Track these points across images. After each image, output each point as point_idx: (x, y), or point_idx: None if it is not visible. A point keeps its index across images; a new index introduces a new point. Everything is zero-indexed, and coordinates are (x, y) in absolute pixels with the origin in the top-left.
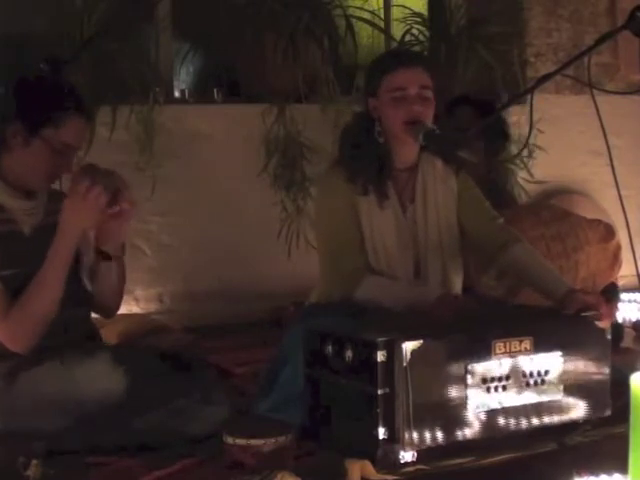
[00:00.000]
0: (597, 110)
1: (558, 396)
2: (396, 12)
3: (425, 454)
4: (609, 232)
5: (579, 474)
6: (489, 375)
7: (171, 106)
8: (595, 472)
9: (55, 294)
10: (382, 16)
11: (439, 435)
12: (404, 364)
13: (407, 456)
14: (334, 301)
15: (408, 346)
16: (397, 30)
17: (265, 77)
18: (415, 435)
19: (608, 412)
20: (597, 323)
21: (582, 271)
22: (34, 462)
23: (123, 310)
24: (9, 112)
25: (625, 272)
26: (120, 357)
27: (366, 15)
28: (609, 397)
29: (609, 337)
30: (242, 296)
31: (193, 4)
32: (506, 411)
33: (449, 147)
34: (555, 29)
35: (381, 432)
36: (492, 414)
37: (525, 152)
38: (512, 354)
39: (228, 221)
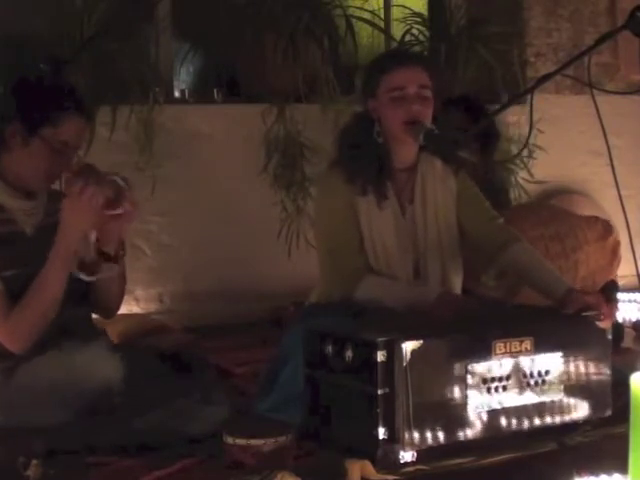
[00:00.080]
0: (597, 110)
1: (559, 396)
2: (396, 12)
3: (425, 454)
4: (607, 229)
5: (579, 474)
6: (489, 375)
7: (171, 106)
8: (595, 472)
9: (56, 295)
10: (382, 16)
11: (439, 435)
12: (404, 364)
13: (407, 456)
14: (334, 301)
15: (408, 346)
16: (397, 30)
17: (265, 77)
18: (415, 435)
19: (609, 412)
20: (598, 323)
21: (582, 270)
22: (34, 462)
23: (123, 310)
24: (9, 112)
25: (625, 272)
26: (115, 346)
27: (366, 15)
28: (610, 397)
29: (610, 337)
30: (242, 296)
31: (193, 4)
32: (506, 411)
33: (449, 147)
34: (555, 29)
35: (381, 432)
36: (492, 414)
37: (525, 152)
38: (512, 354)
39: (228, 221)
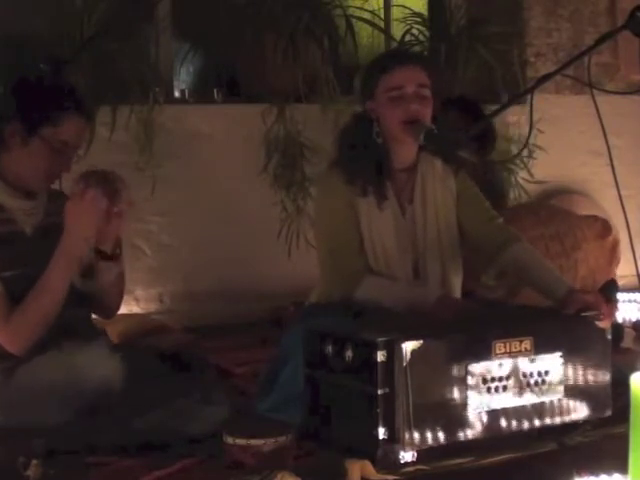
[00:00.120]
0: (597, 110)
1: (558, 396)
2: (396, 12)
3: (425, 454)
4: (606, 228)
5: (579, 474)
6: (489, 375)
7: (171, 106)
8: (595, 472)
9: (57, 298)
10: (382, 16)
11: (439, 435)
12: (404, 364)
13: (407, 456)
14: (334, 301)
15: (408, 346)
16: (397, 30)
17: (265, 77)
18: (415, 435)
19: (609, 412)
20: (597, 323)
21: (582, 269)
22: (34, 462)
23: (123, 310)
24: (8, 112)
25: (625, 272)
26: (115, 346)
27: (366, 15)
28: (610, 397)
29: (609, 337)
30: (242, 296)
31: (193, 4)
32: (506, 411)
33: (449, 147)
34: (555, 29)
35: (381, 432)
36: (492, 414)
37: (525, 152)
38: (512, 354)
39: (228, 221)
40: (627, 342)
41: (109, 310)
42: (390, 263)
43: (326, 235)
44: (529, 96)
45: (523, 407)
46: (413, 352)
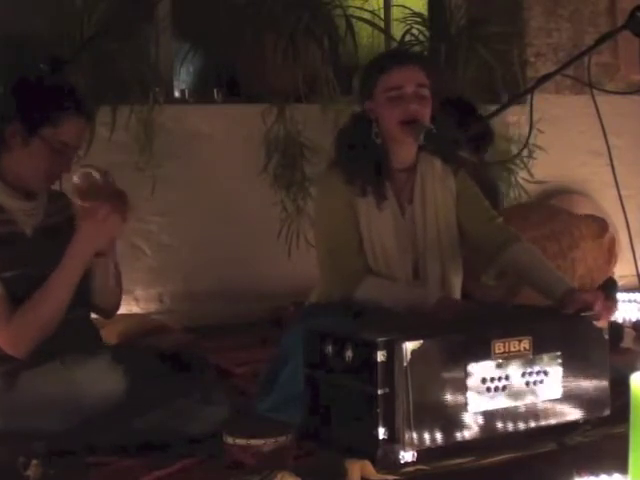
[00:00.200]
0: (597, 110)
1: (557, 396)
2: (396, 12)
3: (425, 454)
4: (602, 227)
5: (579, 474)
6: (489, 375)
7: (171, 106)
8: (595, 472)
9: (60, 307)
10: (382, 16)
11: (439, 435)
12: (404, 364)
13: (407, 456)
14: (334, 301)
15: (408, 346)
16: (397, 30)
17: (265, 77)
18: (415, 435)
19: (607, 412)
20: (595, 322)
21: (580, 269)
22: (34, 462)
23: (123, 310)
24: (9, 112)
25: (625, 272)
26: (119, 357)
27: (366, 15)
28: (608, 397)
29: (607, 336)
30: (242, 296)
31: (193, 4)
32: (505, 411)
33: (449, 147)
34: (555, 29)
35: (381, 432)
36: (492, 414)
37: (525, 152)
38: (511, 354)
39: (228, 221)
40: (627, 342)
41: (108, 310)
42: (390, 263)
43: (326, 235)
44: (529, 96)
45: (522, 407)
46: (413, 352)
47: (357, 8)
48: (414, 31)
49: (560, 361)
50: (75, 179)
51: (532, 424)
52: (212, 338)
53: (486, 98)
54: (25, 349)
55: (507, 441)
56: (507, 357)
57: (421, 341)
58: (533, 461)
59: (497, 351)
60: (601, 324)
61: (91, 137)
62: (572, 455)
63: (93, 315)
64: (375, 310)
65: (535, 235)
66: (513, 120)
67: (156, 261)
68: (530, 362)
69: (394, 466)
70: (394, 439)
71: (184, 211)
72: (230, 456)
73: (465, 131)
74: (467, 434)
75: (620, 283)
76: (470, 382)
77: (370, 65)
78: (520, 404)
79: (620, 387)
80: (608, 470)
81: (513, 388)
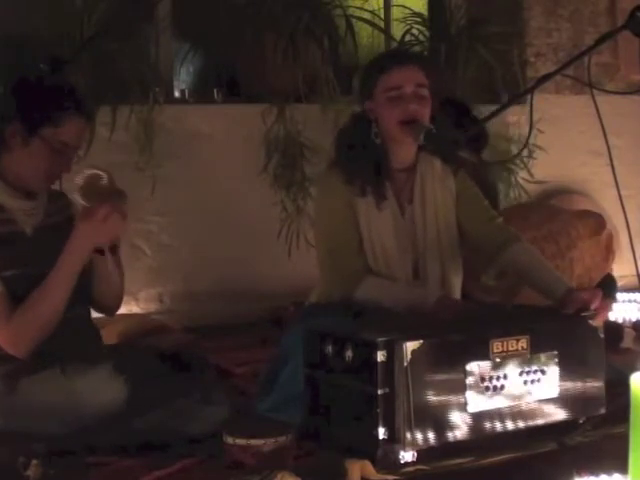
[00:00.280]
0: (597, 110)
1: (554, 395)
2: (396, 12)
3: (425, 454)
4: (599, 223)
5: (579, 474)
6: (487, 374)
7: (171, 106)
8: (595, 472)
9: (59, 304)
10: (382, 16)
11: (439, 435)
12: (404, 364)
13: (407, 456)
14: (334, 301)
15: (408, 346)
16: (397, 30)
17: (265, 77)
18: (415, 435)
19: (603, 410)
20: (590, 322)
21: (578, 268)
22: (34, 462)
23: (123, 310)
24: (9, 112)
25: (625, 272)
26: (121, 365)
27: (366, 15)
28: (604, 395)
29: (602, 335)
30: (242, 296)
31: (193, 4)
32: (504, 410)
33: (449, 147)
34: (555, 29)
35: (381, 432)
36: (491, 413)
37: (525, 152)
38: (509, 353)
39: (228, 221)
40: (627, 342)
41: (110, 308)
42: (390, 263)
43: (325, 235)
44: (529, 96)
45: (520, 406)
46: (413, 352)
47: (357, 8)
48: (414, 31)
49: (557, 360)
50: (78, 180)
51: (529, 423)
52: (212, 338)
53: (486, 98)
54: (25, 348)
55: (506, 441)
56: (505, 356)
57: (421, 341)
58: (533, 461)
59: (495, 350)
60: (597, 323)
61: (91, 137)
62: (572, 455)
63: (94, 314)
64: (375, 310)
65: (535, 236)
66: (513, 120)
67: (156, 261)
68: (528, 361)
69: (394, 466)
70: (394, 439)
71: (184, 211)
72: (230, 456)
73: (465, 132)
74: (467, 434)
75: (620, 283)
76: (469, 382)
77: (370, 65)
78: (518, 403)
79: (620, 387)
80: (608, 470)
81: (511, 387)
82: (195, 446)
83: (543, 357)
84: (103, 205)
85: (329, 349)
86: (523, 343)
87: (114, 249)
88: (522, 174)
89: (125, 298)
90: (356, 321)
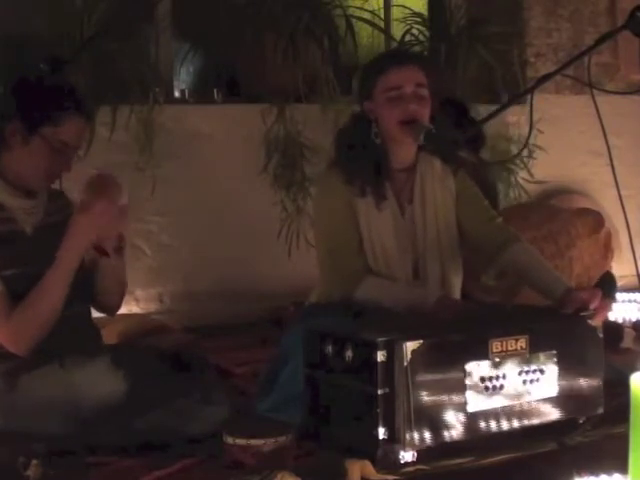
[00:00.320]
0: (597, 110)
1: (552, 394)
2: (396, 12)
3: (425, 454)
4: (598, 221)
5: (579, 474)
6: (487, 374)
7: (171, 106)
8: (595, 472)
9: (57, 301)
10: (382, 16)
11: (439, 435)
12: (404, 364)
13: (407, 456)
14: (334, 301)
15: (408, 346)
16: (397, 30)
17: (265, 77)
18: (415, 435)
19: (601, 410)
20: (590, 321)
21: (577, 267)
22: (34, 462)
23: (123, 310)
24: (9, 111)
25: (625, 272)
26: (119, 360)
27: (366, 15)
28: (602, 395)
29: (601, 335)
30: (242, 296)
31: (193, 4)
32: (504, 410)
33: (449, 147)
34: (555, 29)
35: (381, 432)
36: (491, 413)
37: (525, 152)
38: (508, 353)
39: (228, 221)
40: (627, 342)
41: (111, 308)
42: (390, 263)
43: (325, 235)
44: (529, 96)
45: (519, 405)
46: (413, 352)
47: (357, 8)
48: (414, 31)
49: (556, 360)
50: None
51: (528, 422)
52: (212, 338)
53: (486, 98)
54: (26, 346)
55: (506, 440)
56: (504, 356)
57: (421, 341)
58: (533, 461)
59: (494, 350)
60: (596, 323)
61: (91, 137)
62: (572, 455)
63: (94, 314)
64: (375, 310)
65: (534, 236)
66: (513, 120)
67: (156, 261)
68: (527, 361)
69: (394, 466)
70: (394, 439)
71: (184, 211)
72: (230, 456)
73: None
74: (467, 434)
75: (620, 283)
76: (469, 381)
77: (369, 65)
78: (517, 403)
79: (620, 387)
80: (608, 470)
81: (510, 387)
82: (195, 446)
83: (542, 357)
84: (100, 198)
85: (329, 349)
86: (522, 343)
87: (119, 250)
88: (522, 174)
89: (125, 298)
90: (356, 321)
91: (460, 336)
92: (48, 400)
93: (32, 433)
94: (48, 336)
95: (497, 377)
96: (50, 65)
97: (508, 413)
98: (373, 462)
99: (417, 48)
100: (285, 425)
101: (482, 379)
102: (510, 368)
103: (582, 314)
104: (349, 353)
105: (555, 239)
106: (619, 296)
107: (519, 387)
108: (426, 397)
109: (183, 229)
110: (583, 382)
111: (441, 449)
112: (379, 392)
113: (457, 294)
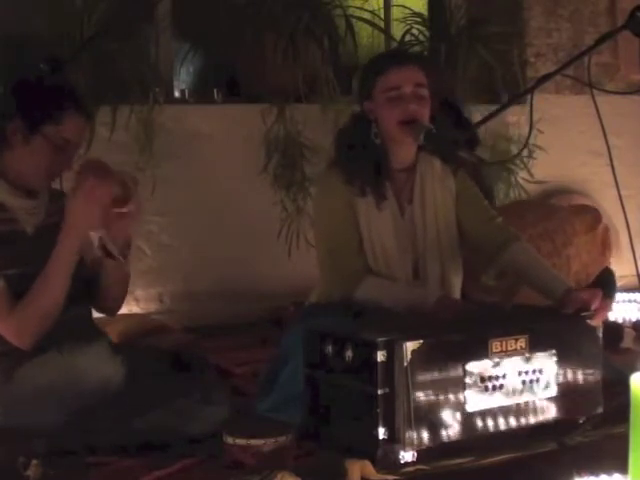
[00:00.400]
0: (597, 110)
1: (552, 394)
2: (396, 12)
3: (425, 454)
4: (595, 217)
5: (579, 474)
6: (487, 374)
7: (171, 106)
8: (595, 472)
9: (59, 292)
10: (382, 16)
11: (439, 435)
12: (404, 364)
13: (407, 456)
14: (334, 301)
15: (408, 346)
16: (397, 30)
17: (265, 77)
18: (415, 435)
19: (600, 410)
20: (589, 321)
21: (574, 265)
22: (34, 462)
23: (123, 310)
24: (9, 110)
25: (625, 272)
26: (117, 348)
27: (366, 15)
28: (601, 395)
29: (600, 335)
30: (242, 296)
31: (193, 4)
32: (504, 410)
33: (449, 147)
34: (555, 29)
35: (381, 432)
36: (490, 413)
37: (525, 152)
38: (508, 353)
39: (228, 221)
40: (627, 342)
41: (111, 309)
42: (390, 263)
43: (325, 235)
44: (529, 96)
45: (519, 405)
46: (413, 352)
47: (357, 8)
48: (414, 31)
49: (555, 359)
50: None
51: (528, 422)
52: (212, 338)
53: (486, 98)
54: (29, 339)
55: (506, 440)
56: (504, 356)
57: (421, 341)
58: (533, 461)
59: (494, 350)
60: (596, 323)
61: (91, 137)
62: (572, 455)
63: (94, 314)
64: (375, 310)
65: (531, 234)
66: (513, 120)
67: (156, 261)
68: (526, 360)
69: (394, 466)
70: (394, 439)
71: (184, 211)
72: (230, 456)
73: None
74: (467, 433)
75: (620, 283)
76: (469, 381)
77: (368, 66)
78: (517, 402)
79: (620, 387)
80: (608, 470)
81: (510, 387)
82: (195, 446)
83: (541, 356)
84: (87, 177)
85: (329, 349)
86: (522, 343)
87: (126, 251)
88: (522, 174)
89: (125, 298)
90: (356, 321)
91: (460, 336)
92: (48, 386)
93: (32, 425)
94: (49, 335)
95: (497, 377)
96: (50, 65)
97: (508, 413)
98: (373, 462)
99: (417, 48)
100: (285, 425)
101: (482, 379)
102: (510, 368)
103: (582, 314)
104: (349, 353)
105: (551, 237)
106: (619, 296)
107: (519, 387)
108: (426, 397)
109: (183, 229)
110: (582, 382)
111: (441, 449)
112: (379, 392)
113: (457, 294)
